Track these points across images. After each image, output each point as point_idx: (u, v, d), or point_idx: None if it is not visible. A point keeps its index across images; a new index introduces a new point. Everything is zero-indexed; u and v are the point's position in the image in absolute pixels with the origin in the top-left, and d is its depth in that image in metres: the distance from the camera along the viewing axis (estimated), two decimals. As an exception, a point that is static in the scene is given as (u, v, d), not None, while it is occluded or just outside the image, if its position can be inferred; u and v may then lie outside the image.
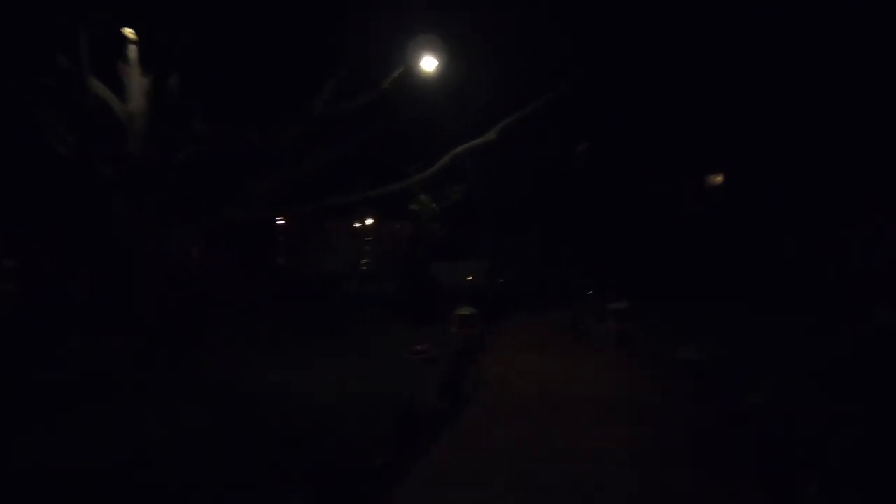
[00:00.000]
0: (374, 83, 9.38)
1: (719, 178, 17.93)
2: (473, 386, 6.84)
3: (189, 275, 9.19)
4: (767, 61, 12.42)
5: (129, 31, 8.23)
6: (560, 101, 10.33)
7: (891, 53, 11.01)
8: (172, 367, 7.35)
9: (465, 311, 9.49)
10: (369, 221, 20.50)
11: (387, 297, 13.66)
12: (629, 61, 11.10)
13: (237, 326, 9.99)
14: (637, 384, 6.67)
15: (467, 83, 10.53)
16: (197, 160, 9.91)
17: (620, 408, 5.59)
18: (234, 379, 6.65)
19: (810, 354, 6.79)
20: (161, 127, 9.10)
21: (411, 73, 9.13)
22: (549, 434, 4.88)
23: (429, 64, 8.70)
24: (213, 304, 10.70)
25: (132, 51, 8.51)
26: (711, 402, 5.56)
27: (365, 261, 21.05)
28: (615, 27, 11.27)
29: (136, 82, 8.72)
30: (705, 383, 6.05)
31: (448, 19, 9.80)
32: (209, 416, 5.10)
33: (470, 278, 19.47)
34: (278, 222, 16.48)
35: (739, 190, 16.43)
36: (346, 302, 10.19)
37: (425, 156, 10.65)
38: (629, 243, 17.54)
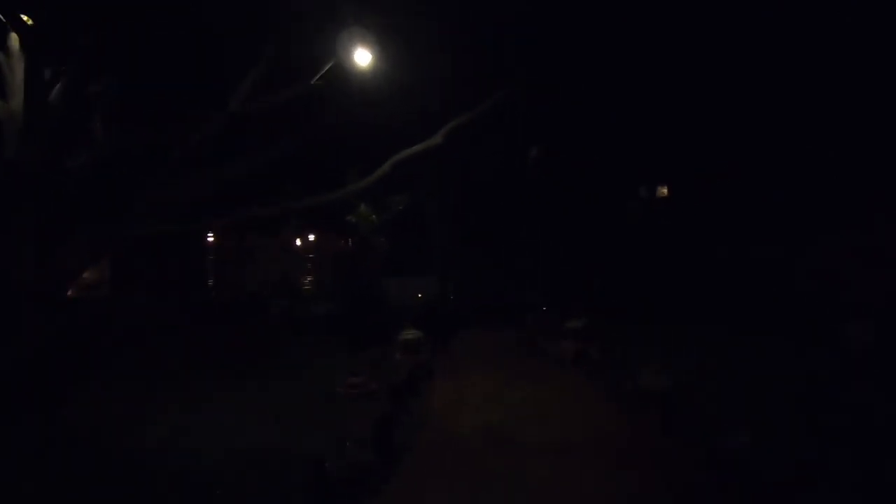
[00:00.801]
0: (302, 80, 8.33)
1: (664, 191, 17.95)
2: (413, 427, 5.81)
3: (71, 302, 7.69)
4: (713, 68, 12.26)
5: (25, 18, 6.85)
6: (509, 104, 9.61)
7: (830, 70, 11.04)
8: (39, 413, 5.94)
9: (410, 334, 8.50)
10: (311, 238, 19.25)
11: (328, 319, 12.43)
12: (579, 66, 10.57)
13: (143, 358, 8.53)
14: (600, 419, 5.84)
15: (412, 84, 9.66)
16: (96, 167, 8.54)
17: (585, 455, 4.72)
18: (109, 429, 5.32)
19: (780, 378, 6.21)
20: (49, 128, 7.69)
21: (343, 70, 8.15)
22: (500, 497, 3.92)
23: (362, 58, 7.74)
24: (117, 333, 9.17)
25: (13, 39, 7.14)
26: (687, 443, 4.78)
27: (309, 279, 19.71)
28: (567, 31, 10.77)
29: (19, 77, 7.31)
30: (675, 417, 5.28)
31: (390, 14, 8.96)
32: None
33: (420, 295, 18.54)
34: (209, 239, 14.96)
35: (684, 202, 16.38)
36: (273, 325, 8.91)
37: (365, 163, 9.64)
38: (581, 257, 17.15)
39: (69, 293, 8.02)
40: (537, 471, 4.37)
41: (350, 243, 13.37)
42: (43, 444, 4.89)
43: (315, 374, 7.96)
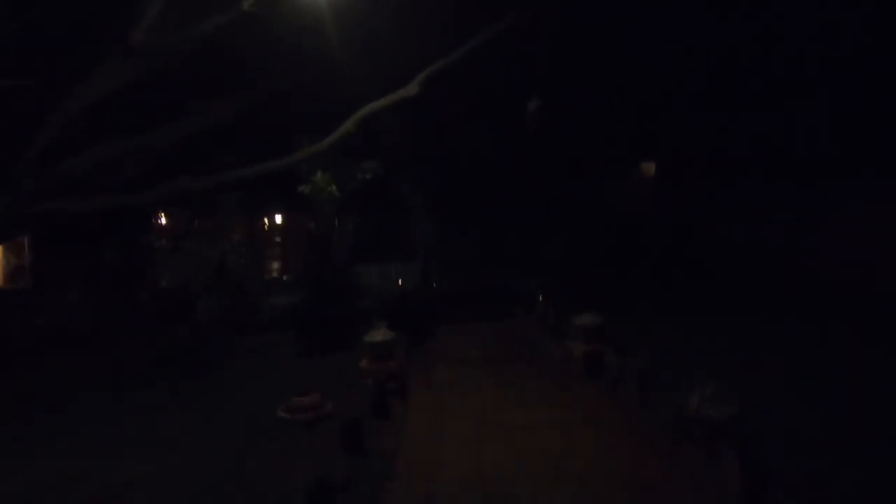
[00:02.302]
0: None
1: (650, 168, 16.37)
2: (373, 480, 4.08)
3: None
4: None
5: None
6: (498, 49, 7.74)
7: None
8: None
9: (379, 335, 6.69)
10: (278, 220, 17.25)
11: (287, 315, 10.57)
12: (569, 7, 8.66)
13: (24, 371, 6.64)
14: (648, 474, 4.13)
15: (378, 23, 7.73)
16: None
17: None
18: None
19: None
20: None
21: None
22: None
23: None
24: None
25: None
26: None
27: (274, 266, 17.79)
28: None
29: None
30: (761, 474, 3.61)
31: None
32: None
33: (400, 283, 16.74)
34: (160, 223, 12.84)
35: (673, 180, 14.82)
36: (204, 328, 7.08)
37: (322, 127, 7.74)
38: (582, 238, 15.52)
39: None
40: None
41: (315, 225, 11.43)
42: None
43: (250, 393, 6.16)
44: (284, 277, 16.64)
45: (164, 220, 11.46)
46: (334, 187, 7.28)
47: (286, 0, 6.46)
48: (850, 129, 10.15)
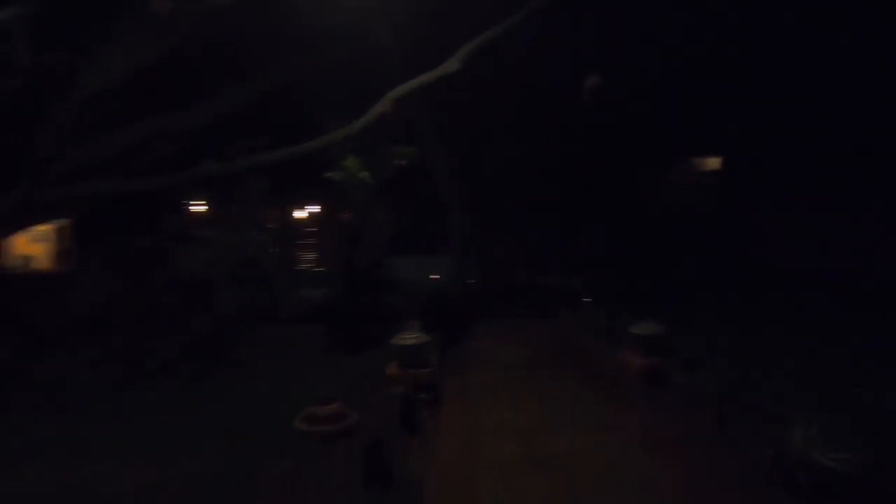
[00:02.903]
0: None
1: (715, 162, 14.97)
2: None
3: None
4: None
5: None
6: (547, 21, 6.89)
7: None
8: None
9: (410, 338, 6.04)
10: (316, 209, 16.94)
11: (317, 309, 10.11)
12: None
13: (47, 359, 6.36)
14: None
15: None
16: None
17: None
18: None
19: None
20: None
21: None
22: None
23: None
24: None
25: None
26: None
27: (311, 258, 17.55)
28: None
29: None
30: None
31: None
32: None
33: (436, 277, 16.12)
34: (197, 209, 12.65)
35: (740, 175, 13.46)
36: (222, 321, 6.60)
37: (354, 110, 7.13)
38: (634, 235, 14.37)
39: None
40: None
41: (350, 215, 10.89)
42: None
43: (268, 395, 5.63)
44: (318, 269, 16.33)
45: (198, 207, 11.24)
46: (367, 174, 6.65)
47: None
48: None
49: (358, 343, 7.82)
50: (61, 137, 6.21)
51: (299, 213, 17.12)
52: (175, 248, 6.54)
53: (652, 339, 5.98)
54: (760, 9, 9.37)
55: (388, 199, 9.31)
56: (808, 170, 11.51)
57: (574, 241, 14.78)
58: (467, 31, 6.88)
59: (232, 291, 6.92)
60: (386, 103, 6.68)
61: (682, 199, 14.50)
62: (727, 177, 14.21)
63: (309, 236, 17.32)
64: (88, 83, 6.05)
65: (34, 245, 11.33)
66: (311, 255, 17.06)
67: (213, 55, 7.69)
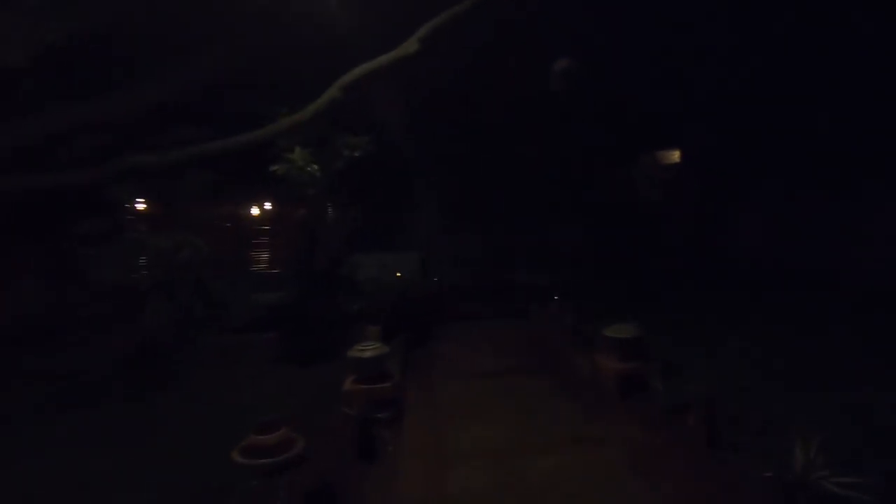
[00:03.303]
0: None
1: (675, 155, 14.98)
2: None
3: None
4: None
5: None
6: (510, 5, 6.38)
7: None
8: None
9: (368, 349, 5.42)
10: (266, 206, 15.97)
11: (267, 314, 9.34)
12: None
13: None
14: None
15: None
16: None
17: None
18: None
19: None
20: None
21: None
22: None
23: None
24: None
25: None
26: None
27: (263, 258, 16.63)
28: None
29: None
30: None
31: None
32: None
33: (399, 275, 15.53)
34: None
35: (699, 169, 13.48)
36: (152, 334, 5.81)
37: (302, 98, 6.42)
38: (604, 230, 14.16)
39: None
40: None
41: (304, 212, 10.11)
42: None
43: (201, 420, 4.91)
44: (273, 271, 15.44)
45: (141, 206, 10.20)
46: (315, 166, 5.97)
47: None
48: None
49: (313, 352, 7.14)
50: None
51: (254, 211, 16.13)
52: (100, 252, 5.68)
53: (628, 343, 5.59)
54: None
55: (344, 192, 8.62)
56: (780, 164, 11.55)
57: (543, 237, 14.46)
58: (428, 10, 6.29)
59: (164, 300, 6.12)
60: (337, 89, 6.03)
61: (649, 194, 14.38)
62: (685, 170, 14.19)
63: (264, 235, 16.36)
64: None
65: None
66: (266, 256, 16.11)
67: (145, 37, 6.82)
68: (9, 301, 7.45)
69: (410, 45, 5.79)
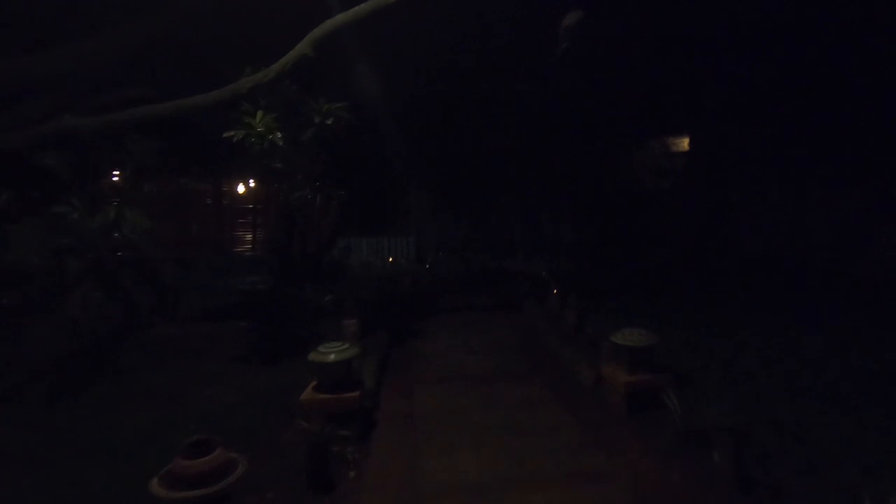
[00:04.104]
0: None
1: (684, 143, 14.06)
2: None
3: None
4: None
5: None
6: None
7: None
8: None
9: (332, 351, 4.57)
10: (251, 184, 15.05)
11: (238, 301, 8.55)
12: None
13: None
14: None
15: None
16: None
17: None
18: None
19: None
20: None
21: None
22: None
23: None
24: None
25: None
26: None
27: (247, 239, 15.88)
28: None
29: None
30: None
31: None
32: None
33: (391, 260, 14.78)
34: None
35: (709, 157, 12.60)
36: (83, 326, 4.97)
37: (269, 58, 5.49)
38: (595, 217, 13.36)
39: None
40: None
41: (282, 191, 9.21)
42: None
43: (140, 434, 4.10)
44: (253, 254, 14.65)
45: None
46: (279, 134, 5.06)
47: None
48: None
49: (282, 348, 6.34)
50: None
51: (239, 189, 15.19)
52: (23, 231, 4.81)
53: (639, 352, 4.78)
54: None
55: (328, 172, 7.73)
56: (796, 156, 10.76)
57: (541, 224, 13.64)
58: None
59: (97, 287, 5.27)
60: (306, 44, 5.11)
61: (655, 182, 13.52)
62: (695, 159, 13.30)
63: (248, 215, 15.46)
64: None
65: None
66: (249, 238, 15.24)
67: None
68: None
69: (390, -9, 4.86)
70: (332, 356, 4.50)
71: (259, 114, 5.11)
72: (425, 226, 15.08)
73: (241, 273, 11.47)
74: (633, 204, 13.12)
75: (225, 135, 5.03)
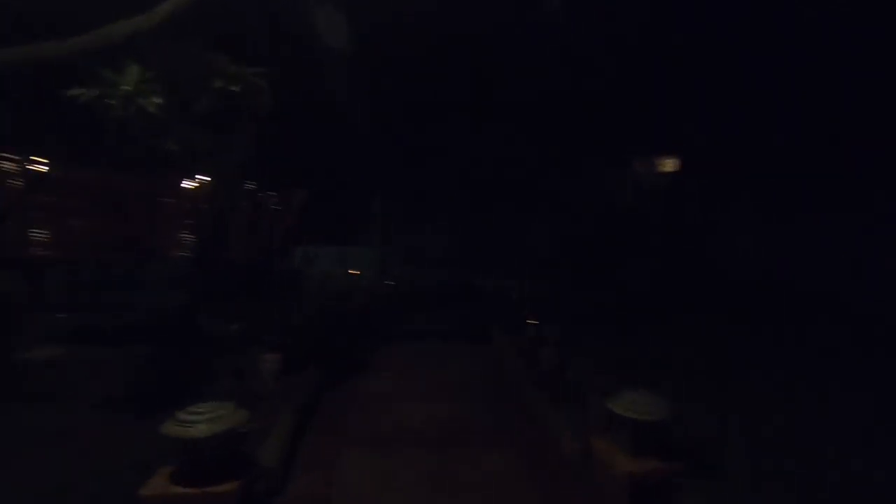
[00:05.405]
0: None
1: (670, 164, 13.19)
2: None
3: None
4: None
5: None
6: None
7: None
8: None
9: (201, 419, 3.07)
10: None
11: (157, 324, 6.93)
12: None
13: None
14: None
15: None
16: None
17: None
18: None
19: None
20: None
21: None
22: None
23: None
24: None
25: None
26: None
27: (187, 246, 14.16)
28: None
29: None
30: None
31: None
32: None
33: (356, 272, 13.31)
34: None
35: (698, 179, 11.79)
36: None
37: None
38: (577, 237, 12.27)
39: None
40: None
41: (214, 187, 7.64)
42: None
43: None
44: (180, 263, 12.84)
45: None
46: (154, 100, 3.56)
47: None
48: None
49: (176, 387, 4.78)
50: None
51: (183, 183, 13.42)
52: None
53: (648, 428, 3.44)
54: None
55: (279, 167, 6.24)
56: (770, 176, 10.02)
57: (517, 240, 12.41)
58: None
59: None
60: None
61: (640, 202, 12.60)
62: (681, 180, 12.49)
63: (176, 215, 13.63)
64: None
65: None
66: (176, 242, 13.42)
67: None
68: None
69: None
70: (202, 427, 3.00)
71: (132, 68, 3.60)
72: (397, 237, 13.73)
73: (159, 285, 9.74)
74: (615, 223, 12.14)
75: (70, 93, 3.49)
